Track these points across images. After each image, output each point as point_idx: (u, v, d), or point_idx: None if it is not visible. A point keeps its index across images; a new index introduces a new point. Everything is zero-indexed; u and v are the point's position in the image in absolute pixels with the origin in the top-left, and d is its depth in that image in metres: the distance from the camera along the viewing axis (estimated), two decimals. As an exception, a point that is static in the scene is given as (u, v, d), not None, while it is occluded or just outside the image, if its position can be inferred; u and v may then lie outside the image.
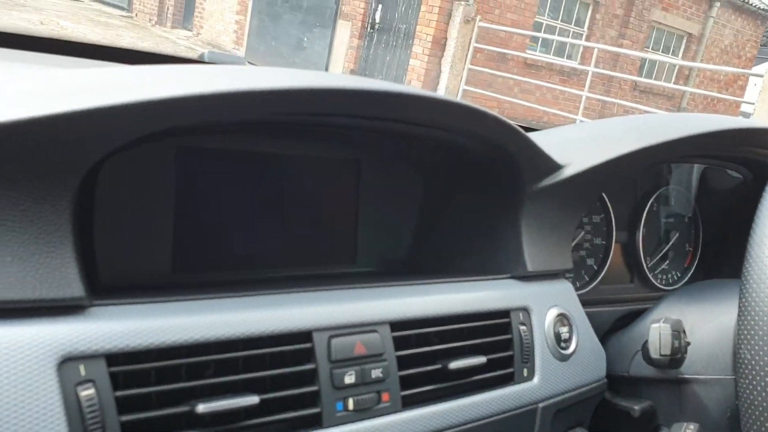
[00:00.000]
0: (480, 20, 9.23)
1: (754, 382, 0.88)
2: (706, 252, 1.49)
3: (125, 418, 0.62)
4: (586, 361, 1.06)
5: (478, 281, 0.99)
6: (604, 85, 11.29)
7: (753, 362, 0.89)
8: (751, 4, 13.53)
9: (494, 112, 0.92)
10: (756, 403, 0.88)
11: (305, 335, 0.76)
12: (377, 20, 10.12)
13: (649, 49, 12.26)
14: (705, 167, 1.47)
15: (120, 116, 0.63)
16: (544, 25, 10.75)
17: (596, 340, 1.10)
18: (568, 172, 1.04)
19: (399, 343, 0.84)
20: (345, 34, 10.45)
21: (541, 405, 0.98)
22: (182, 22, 14.12)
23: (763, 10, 13.90)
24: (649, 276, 1.38)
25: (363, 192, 1.07)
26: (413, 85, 8.98)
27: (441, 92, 8.51)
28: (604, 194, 1.29)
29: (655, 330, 1.04)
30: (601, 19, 11.28)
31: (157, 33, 12.69)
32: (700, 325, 1.08)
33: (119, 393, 0.63)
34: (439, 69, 9.44)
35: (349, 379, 0.78)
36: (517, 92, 10.00)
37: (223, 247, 0.93)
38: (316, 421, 0.75)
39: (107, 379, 0.62)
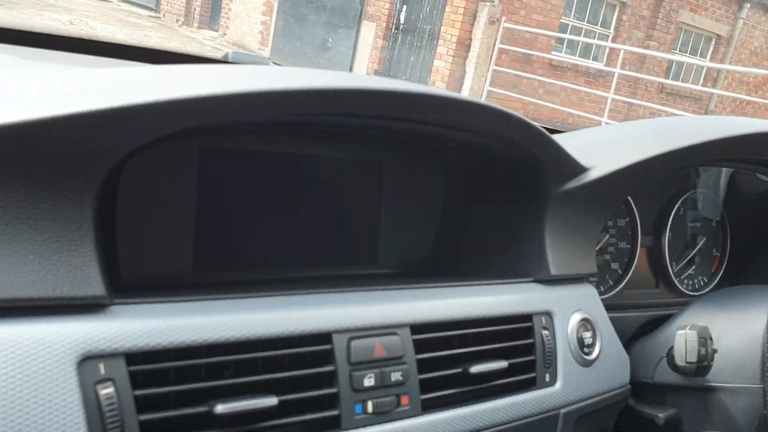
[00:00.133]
0: (505, 21, 9.18)
1: (783, 392, 0.86)
2: (733, 257, 1.46)
3: (144, 417, 0.62)
4: (610, 366, 1.04)
5: (500, 284, 0.98)
6: (630, 87, 11.17)
7: None
8: (783, 6, 13.30)
9: (519, 114, 0.91)
10: (785, 413, 0.86)
11: (325, 337, 0.76)
12: (402, 21, 10.10)
13: (677, 51, 12.10)
14: (733, 171, 1.45)
15: (140, 116, 0.63)
16: (569, 26, 10.65)
17: (620, 345, 1.09)
18: (593, 174, 1.02)
19: (419, 346, 0.83)
20: (369, 35, 10.45)
21: (563, 411, 0.96)
22: (209, 22, 14.24)
23: (795, 11, 13.66)
24: (675, 281, 1.36)
25: (385, 193, 1.06)
26: (437, 86, 8.96)
27: (465, 93, 8.48)
28: (629, 198, 1.27)
29: (681, 336, 1.02)
30: (627, 21, 11.16)
31: (183, 33, 12.81)
32: (727, 332, 1.06)
33: (138, 392, 0.63)
34: (464, 70, 9.40)
35: (369, 381, 0.77)
36: (541, 94, 9.92)
37: (244, 247, 0.93)
38: (335, 423, 0.75)
39: (127, 378, 0.62)
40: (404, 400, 0.80)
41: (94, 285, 0.63)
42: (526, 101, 9.31)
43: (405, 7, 10.05)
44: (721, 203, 1.46)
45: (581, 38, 10.13)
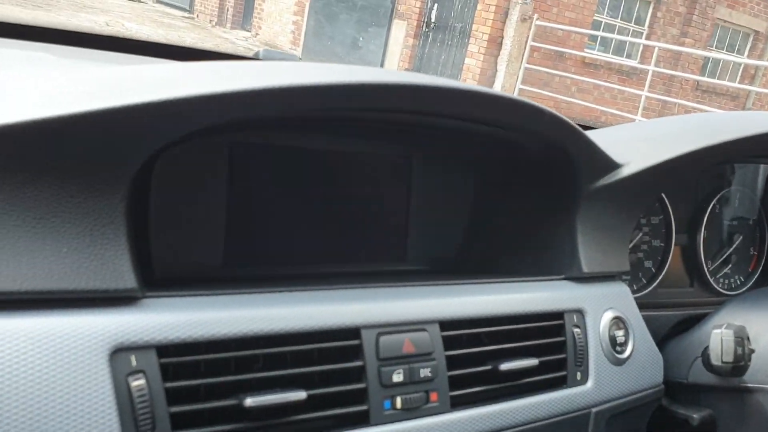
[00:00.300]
0: (537, 19, 9.11)
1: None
2: None
3: (174, 409, 0.63)
4: (643, 366, 1.03)
5: (531, 282, 0.97)
6: (665, 85, 10.99)
7: None
8: (824, 1, 12.99)
9: (551, 109, 0.91)
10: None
11: (354, 332, 0.76)
12: (433, 19, 10.08)
13: (713, 48, 11.89)
14: None
15: (172, 111, 0.64)
16: (603, 23, 10.53)
17: (653, 344, 1.07)
18: (626, 171, 1.01)
19: (448, 343, 0.82)
20: (400, 34, 10.45)
21: (594, 410, 0.95)
22: (241, 23, 14.35)
23: (836, 6, 13.33)
24: (710, 280, 1.34)
25: (414, 189, 1.06)
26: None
27: (496, 92, 8.42)
28: (663, 195, 1.25)
29: (717, 336, 1.01)
30: (662, 17, 10.99)
31: (216, 34, 12.93)
32: (765, 332, 1.04)
33: (169, 384, 0.63)
34: (495, 68, 9.35)
35: (398, 377, 0.77)
36: (574, 91, 9.83)
37: (274, 242, 0.94)
38: (364, 418, 0.75)
39: (158, 370, 0.63)
40: (433, 396, 0.79)
41: (126, 278, 0.64)
42: (558, 99, 9.22)
43: (436, 5, 10.03)
44: (758, 201, 1.43)
45: (615, 35, 10.01)
